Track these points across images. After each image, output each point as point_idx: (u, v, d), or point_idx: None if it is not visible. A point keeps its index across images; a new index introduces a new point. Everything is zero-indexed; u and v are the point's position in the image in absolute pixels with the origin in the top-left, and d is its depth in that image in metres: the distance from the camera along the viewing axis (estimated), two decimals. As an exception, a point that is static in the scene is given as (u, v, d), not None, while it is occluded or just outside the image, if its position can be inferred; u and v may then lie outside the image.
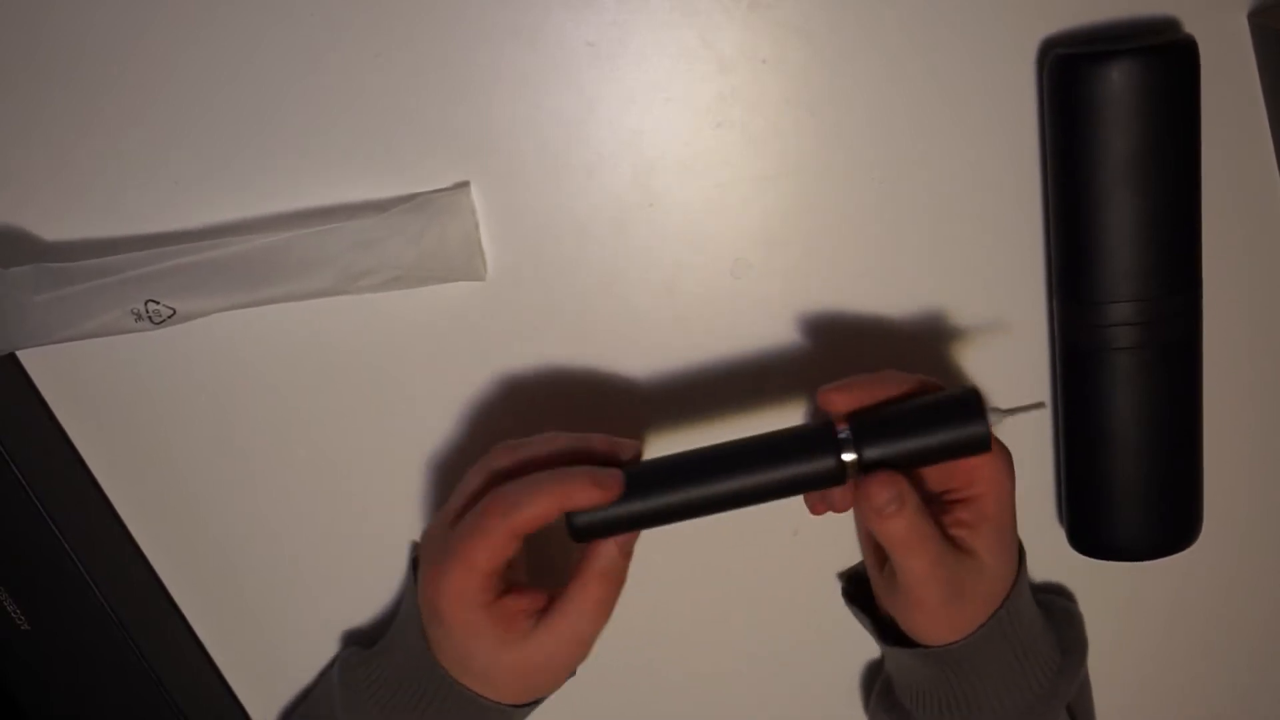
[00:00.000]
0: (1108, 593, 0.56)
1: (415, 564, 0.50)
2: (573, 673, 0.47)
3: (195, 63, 0.48)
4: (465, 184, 0.49)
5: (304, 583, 0.56)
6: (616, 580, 0.44)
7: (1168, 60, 0.45)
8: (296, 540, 0.55)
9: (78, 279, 0.47)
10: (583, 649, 0.45)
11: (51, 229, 0.50)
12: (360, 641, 0.55)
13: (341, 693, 0.50)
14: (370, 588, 0.56)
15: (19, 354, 0.52)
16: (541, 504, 0.42)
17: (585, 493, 0.42)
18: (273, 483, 0.54)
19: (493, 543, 0.42)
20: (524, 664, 0.45)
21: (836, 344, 0.52)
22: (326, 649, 0.57)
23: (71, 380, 0.52)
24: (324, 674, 0.56)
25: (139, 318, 0.47)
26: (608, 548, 0.44)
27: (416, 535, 0.55)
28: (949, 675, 0.47)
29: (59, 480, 0.52)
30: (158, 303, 0.47)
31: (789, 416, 0.53)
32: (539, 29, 0.48)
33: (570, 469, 0.43)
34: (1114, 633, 0.57)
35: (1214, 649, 0.58)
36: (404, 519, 0.55)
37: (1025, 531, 0.54)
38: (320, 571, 0.56)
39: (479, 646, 0.44)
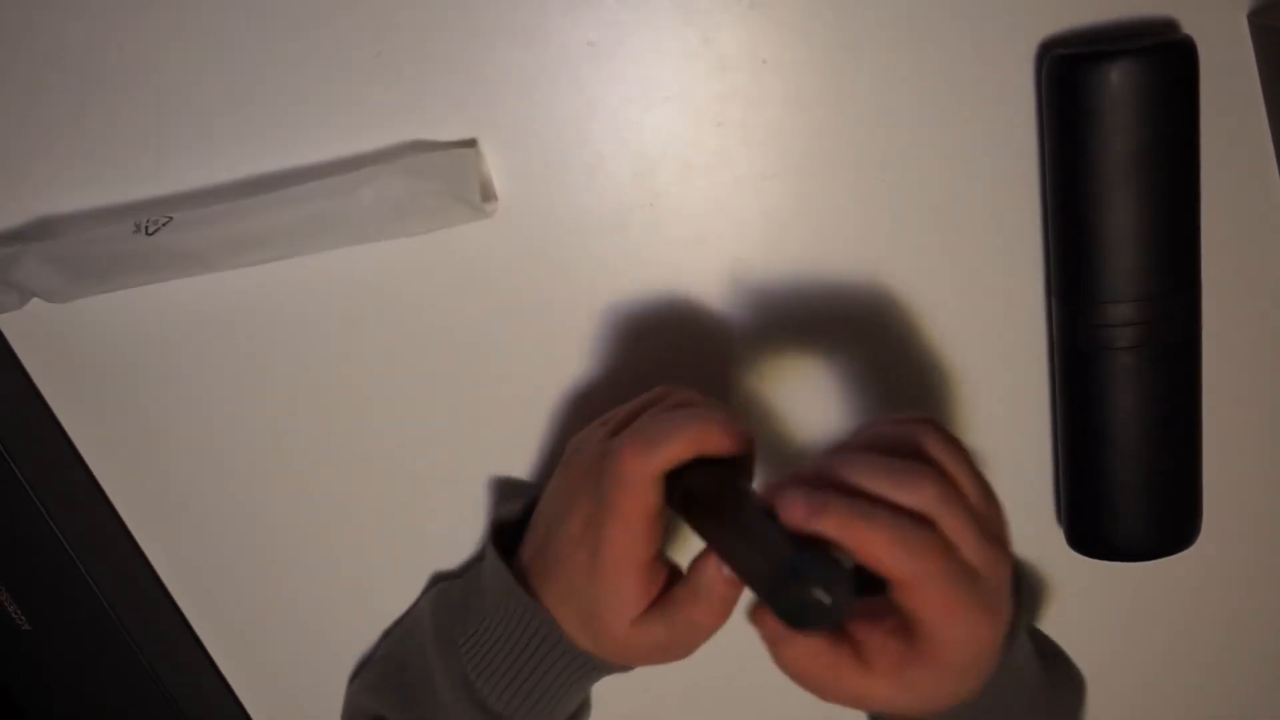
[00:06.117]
0: (1108, 593, 0.56)
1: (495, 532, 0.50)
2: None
3: (195, 58, 0.48)
4: (473, 140, 0.49)
5: (304, 580, 0.56)
6: (713, 608, 0.42)
7: (1167, 60, 0.45)
8: (296, 538, 0.55)
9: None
10: (667, 657, 0.44)
11: (49, 210, 0.50)
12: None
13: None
14: (371, 582, 0.56)
15: (15, 350, 0.52)
16: (678, 447, 0.41)
17: (719, 439, 0.41)
18: (272, 480, 0.54)
19: (639, 490, 0.41)
20: (633, 639, 0.44)
21: (837, 344, 0.52)
22: (327, 646, 0.57)
23: (70, 377, 0.52)
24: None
25: (137, 229, 0.47)
26: (707, 573, 0.42)
27: (415, 522, 0.55)
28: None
29: (59, 480, 0.52)
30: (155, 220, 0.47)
31: (789, 416, 0.53)
32: (539, 28, 0.48)
33: (708, 407, 0.42)
34: (1114, 633, 0.57)
35: (1214, 649, 0.58)
36: (402, 506, 0.55)
37: (1025, 531, 0.54)
38: (319, 569, 0.56)
39: (613, 604, 0.43)
